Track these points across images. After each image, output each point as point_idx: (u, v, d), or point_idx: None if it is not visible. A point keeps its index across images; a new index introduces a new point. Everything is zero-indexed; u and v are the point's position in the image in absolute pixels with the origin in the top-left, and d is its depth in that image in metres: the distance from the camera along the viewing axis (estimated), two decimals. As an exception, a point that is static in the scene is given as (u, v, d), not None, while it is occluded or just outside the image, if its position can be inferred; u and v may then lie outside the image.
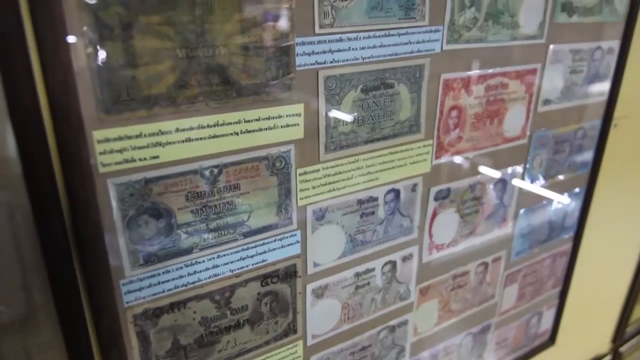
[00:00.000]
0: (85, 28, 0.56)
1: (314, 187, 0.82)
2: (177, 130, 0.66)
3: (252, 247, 0.79)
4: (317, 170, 0.82)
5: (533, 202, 1.25)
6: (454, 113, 0.96)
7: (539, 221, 1.30)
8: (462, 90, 0.95)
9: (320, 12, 0.72)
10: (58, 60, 0.55)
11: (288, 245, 0.83)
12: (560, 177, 1.29)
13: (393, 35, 0.81)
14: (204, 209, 0.72)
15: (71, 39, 0.55)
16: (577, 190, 1.36)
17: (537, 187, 1.24)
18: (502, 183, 1.14)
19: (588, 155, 1.34)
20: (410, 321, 1.11)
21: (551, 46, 1.07)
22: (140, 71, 0.61)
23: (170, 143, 0.66)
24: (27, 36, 0.54)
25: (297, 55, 0.72)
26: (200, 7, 0.62)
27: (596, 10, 1.13)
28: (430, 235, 1.05)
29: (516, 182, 1.17)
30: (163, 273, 0.72)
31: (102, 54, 0.58)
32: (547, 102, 1.13)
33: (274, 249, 0.82)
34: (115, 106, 0.61)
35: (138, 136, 0.63)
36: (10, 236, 0.61)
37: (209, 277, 0.77)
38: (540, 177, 1.23)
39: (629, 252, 1.77)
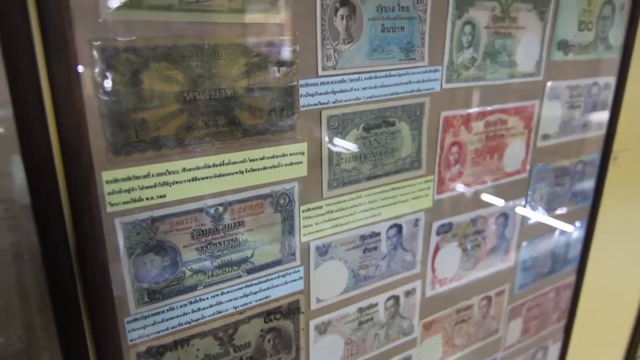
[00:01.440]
0: (97, 74, 0.58)
1: (317, 224, 0.83)
2: (184, 169, 0.68)
3: (255, 284, 0.80)
4: (320, 207, 0.83)
5: (535, 235, 1.25)
6: (455, 149, 0.98)
7: (542, 254, 1.30)
8: (462, 126, 0.97)
9: (324, 55, 0.75)
10: (71, 104, 0.57)
11: (291, 281, 0.84)
12: (562, 210, 1.29)
13: (394, 75, 0.83)
14: (208, 246, 0.73)
15: (84, 83, 0.58)
16: (578, 222, 1.37)
17: (538, 220, 1.24)
18: (504, 217, 1.15)
19: (589, 188, 1.35)
20: (414, 357, 1.10)
21: (548, 83, 1.10)
22: (149, 114, 0.63)
23: (177, 182, 0.68)
24: (41, 81, 0.56)
25: (301, 96, 0.75)
26: (207, 53, 0.65)
27: (591, 48, 1.16)
28: (433, 270, 1.05)
29: (518, 215, 1.18)
30: (167, 310, 0.72)
31: (113, 99, 0.60)
32: (546, 137, 1.15)
33: (278, 285, 0.82)
34: (125, 148, 0.62)
35: (146, 176, 0.65)
36: (18, 274, 0.62)
37: (213, 314, 0.77)
38: (542, 210, 1.24)
39: (634, 283, 1.76)
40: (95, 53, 0.57)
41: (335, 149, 0.81)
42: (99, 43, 0.57)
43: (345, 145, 0.82)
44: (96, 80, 0.58)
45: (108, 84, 0.59)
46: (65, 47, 0.54)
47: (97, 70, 0.58)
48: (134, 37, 0.59)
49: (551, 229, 1.30)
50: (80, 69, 0.57)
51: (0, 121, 0.56)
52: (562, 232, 1.33)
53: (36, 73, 0.56)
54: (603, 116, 1.29)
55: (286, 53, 0.71)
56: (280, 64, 0.71)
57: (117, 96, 0.60)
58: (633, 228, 1.62)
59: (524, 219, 1.20)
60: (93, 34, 0.57)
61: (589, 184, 1.35)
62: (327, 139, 0.80)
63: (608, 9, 1.16)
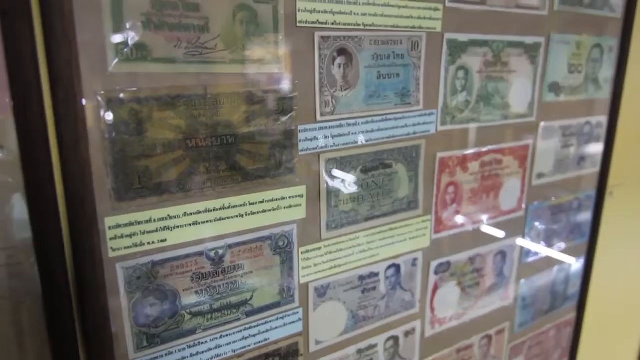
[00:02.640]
0: (103, 124, 0.60)
1: (315, 265, 0.84)
2: (185, 214, 0.69)
3: (254, 326, 0.80)
4: (319, 248, 0.84)
5: (533, 272, 1.26)
6: (451, 189, 1.00)
7: (541, 291, 1.30)
8: (458, 167, 0.99)
9: (322, 102, 0.77)
10: (77, 155, 0.59)
11: (290, 323, 0.84)
12: (560, 246, 1.30)
13: (390, 119, 0.86)
14: (208, 289, 0.74)
15: (90, 134, 0.60)
16: (577, 258, 1.37)
17: (536, 258, 1.25)
18: (502, 255, 1.16)
19: (586, 224, 1.37)
20: (415, 398, 1.09)
21: (542, 123, 1.13)
22: (152, 161, 0.65)
23: (178, 227, 0.69)
24: (49, 132, 0.58)
25: (300, 140, 0.77)
26: (209, 102, 0.67)
27: (582, 89, 1.19)
28: (432, 309, 1.05)
29: (515, 253, 1.19)
30: (166, 355, 0.72)
31: (118, 147, 0.62)
32: (541, 175, 1.17)
33: (276, 328, 0.82)
34: (128, 194, 0.64)
35: (147, 221, 0.66)
36: (18, 320, 0.63)
37: (211, 358, 0.77)
38: (540, 248, 1.25)
39: (635, 319, 1.74)
40: (102, 104, 0.60)
41: (333, 192, 0.83)
42: (106, 94, 0.60)
43: (343, 188, 0.84)
44: (102, 130, 0.60)
45: (113, 133, 0.61)
46: (74, 102, 0.57)
47: (103, 120, 0.60)
48: (139, 88, 0.62)
49: (549, 266, 1.30)
50: (87, 118, 0.59)
51: (7, 168, 0.58)
52: (561, 269, 1.33)
53: (44, 124, 0.58)
54: (597, 153, 1.32)
55: (286, 100, 0.74)
56: (280, 110, 0.74)
57: (122, 145, 0.62)
58: (632, 263, 1.62)
59: (522, 256, 1.21)
60: (100, 86, 0.59)
61: (586, 220, 1.36)
62: (325, 181, 0.81)
63: (597, 52, 1.20)
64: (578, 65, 1.17)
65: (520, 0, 0.99)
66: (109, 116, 0.60)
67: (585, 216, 1.36)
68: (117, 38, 0.59)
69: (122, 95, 0.61)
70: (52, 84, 0.57)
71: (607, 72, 1.24)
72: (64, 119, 0.58)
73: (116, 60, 0.59)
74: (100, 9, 0.57)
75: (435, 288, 1.04)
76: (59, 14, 0.55)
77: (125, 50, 0.60)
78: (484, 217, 1.08)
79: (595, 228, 1.39)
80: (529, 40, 1.04)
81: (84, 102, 0.58)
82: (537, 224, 1.21)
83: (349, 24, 0.77)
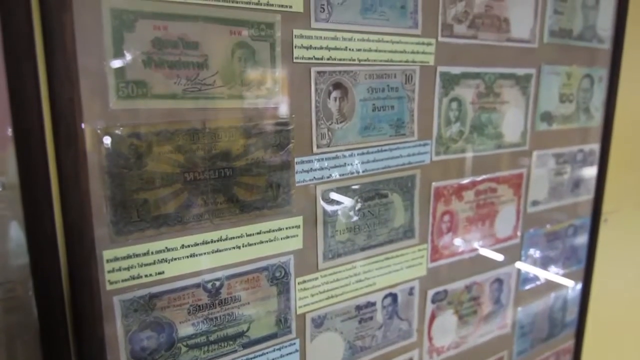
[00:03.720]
0: (103, 158, 0.61)
1: (312, 295, 0.84)
2: (183, 246, 0.70)
3: (251, 358, 0.79)
4: (316, 279, 0.84)
5: (531, 299, 1.26)
6: (447, 218, 1.01)
7: (539, 319, 1.30)
8: (453, 196, 1.01)
9: (318, 134, 0.79)
10: (77, 188, 0.60)
11: (287, 354, 0.83)
12: (556, 273, 1.30)
13: (385, 150, 0.87)
14: (205, 321, 0.74)
15: (90, 168, 0.61)
16: (574, 285, 1.37)
17: (533, 285, 1.25)
18: (498, 282, 1.16)
19: (582, 251, 1.37)
20: None
21: (535, 152, 1.14)
22: (151, 194, 0.66)
23: (175, 259, 0.69)
24: (49, 165, 0.59)
25: (297, 172, 0.78)
26: (208, 136, 0.69)
27: (574, 118, 1.22)
28: (430, 338, 1.05)
29: (512, 280, 1.19)
30: (162, 388, 0.72)
31: (117, 181, 0.63)
32: (535, 203, 1.19)
33: (273, 359, 0.82)
34: (126, 227, 0.65)
35: (145, 254, 0.67)
36: (14, 355, 0.63)
37: (208, 391, 0.76)
38: (536, 275, 1.25)
39: (634, 345, 1.73)
40: (102, 139, 0.61)
41: (329, 222, 0.83)
42: (106, 130, 0.61)
43: (339, 218, 0.84)
44: (102, 165, 0.62)
45: (113, 167, 0.62)
46: (75, 137, 0.58)
47: (103, 155, 0.61)
48: (139, 124, 0.63)
49: (547, 293, 1.30)
50: (88, 155, 0.60)
51: (7, 202, 0.59)
52: (558, 296, 1.33)
53: (45, 159, 0.59)
54: (590, 181, 1.33)
55: (283, 133, 0.75)
56: (277, 143, 0.75)
57: (121, 179, 0.63)
58: (629, 289, 1.62)
59: (519, 283, 1.21)
60: (101, 122, 0.61)
61: (581, 247, 1.37)
62: (322, 212, 0.82)
63: (587, 82, 1.23)
64: (569, 95, 1.19)
65: (510, 34, 1.02)
66: (109, 151, 0.62)
67: (581, 243, 1.37)
68: (118, 76, 0.60)
69: (122, 131, 0.62)
70: (54, 120, 0.59)
71: (597, 101, 1.27)
72: (65, 154, 0.59)
73: (117, 97, 0.61)
74: (103, 49, 0.59)
75: (433, 317, 1.04)
76: (62, 54, 0.56)
77: (126, 87, 0.61)
78: (480, 245, 1.09)
79: (591, 255, 1.40)
80: (520, 71, 1.06)
81: (85, 137, 0.59)
82: (533, 251, 1.22)
83: (344, 59, 0.79)
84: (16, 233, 0.60)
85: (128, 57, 0.61)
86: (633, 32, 1.28)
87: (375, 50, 0.82)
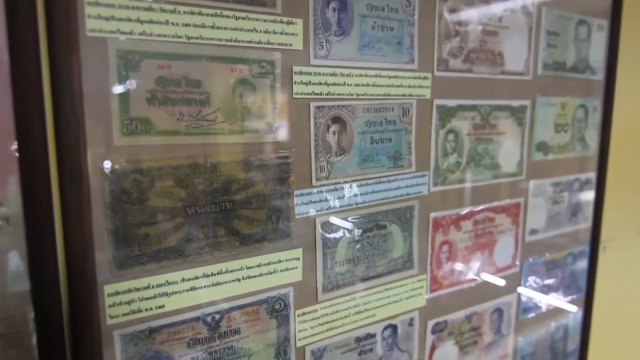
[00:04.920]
0: (107, 194, 0.62)
1: (312, 327, 0.84)
2: (183, 280, 0.70)
3: (250, 392, 0.79)
4: (315, 311, 0.84)
5: (532, 329, 1.25)
6: (445, 248, 1.01)
7: (540, 349, 1.29)
8: (452, 226, 1.02)
9: (317, 167, 0.80)
10: (79, 225, 0.61)
11: (287, 388, 0.83)
12: (556, 302, 1.30)
13: (383, 182, 0.89)
14: (204, 355, 0.74)
15: (93, 204, 0.62)
16: (575, 314, 1.37)
17: (534, 314, 1.25)
18: (498, 312, 1.16)
19: (582, 279, 1.37)
20: None
21: (531, 181, 1.16)
22: (152, 228, 0.67)
23: (175, 293, 0.70)
24: (53, 200, 0.60)
25: (296, 205, 0.79)
26: (209, 170, 0.70)
27: (570, 147, 1.24)
28: (430, 370, 1.04)
29: (512, 310, 1.19)
30: None
31: (120, 216, 0.64)
32: (533, 232, 1.19)
33: (273, 393, 0.82)
34: (128, 261, 0.65)
35: (146, 288, 0.67)
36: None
37: None
38: (536, 304, 1.25)
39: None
40: (106, 175, 0.62)
41: (329, 254, 0.84)
42: (110, 166, 0.62)
43: (339, 250, 0.85)
44: (105, 200, 0.63)
45: (116, 202, 0.63)
46: (79, 174, 0.59)
47: (107, 190, 0.63)
48: (142, 159, 0.65)
49: (547, 322, 1.30)
50: (92, 189, 0.61)
51: (11, 238, 0.60)
52: (559, 325, 1.33)
53: (49, 194, 0.60)
54: (588, 209, 1.34)
55: (283, 166, 0.77)
56: (277, 176, 0.76)
57: (123, 213, 0.64)
58: (630, 317, 1.61)
59: (519, 313, 1.21)
60: (105, 158, 0.62)
61: (581, 275, 1.37)
62: (321, 244, 0.83)
63: (581, 112, 1.25)
64: (564, 125, 1.21)
65: (505, 67, 1.05)
66: (112, 186, 0.63)
67: (581, 271, 1.37)
68: (122, 114, 0.62)
69: (125, 166, 0.64)
70: (59, 157, 0.60)
71: (592, 131, 1.29)
72: (69, 189, 0.61)
73: (121, 133, 0.63)
74: (108, 88, 0.61)
75: (433, 348, 1.03)
76: (69, 94, 0.58)
77: (130, 124, 0.63)
78: (479, 275, 1.09)
79: (590, 283, 1.40)
80: (515, 103, 1.08)
81: (89, 173, 0.61)
82: (532, 280, 1.22)
83: (342, 94, 0.81)
84: (18, 268, 0.61)
85: (133, 95, 0.63)
86: (625, 63, 1.31)
87: (373, 85, 0.84)
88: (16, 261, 0.61)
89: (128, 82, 0.62)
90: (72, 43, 0.58)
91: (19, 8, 0.56)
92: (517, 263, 1.17)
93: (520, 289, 1.19)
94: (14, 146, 0.58)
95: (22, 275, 0.61)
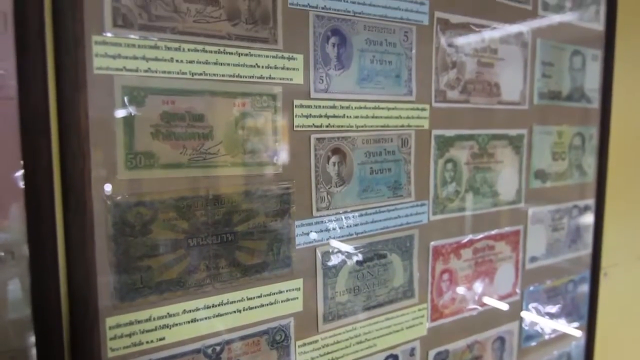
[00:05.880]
0: (110, 227, 0.63)
1: (313, 358, 0.84)
2: (184, 312, 0.70)
3: None
4: (316, 341, 0.84)
5: (534, 357, 1.24)
6: (446, 276, 1.02)
7: (543, 378, 1.27)
8: (452, 254, 1.02)
9: (318, 198, 0.81)
10: (83, 257, 0.62)
11: (287, 420, 0.82)
12: (558, 330, 1.29)
13: (383, 211, 0.90)
14: (204, 387, 0.73)
15: (97, 236, 0.63)
16: (577, 341, 1.36)
17: (535, 342, 1.24)
18: (500, 341, 1.15)
19: (584, 306, 1.37)
20: None
21: (530, 209, 1.17)
22: (155, 261, 0.67)
23: (176, 325, 0.70)
24: (57, 233, 0.61)
25: (297, 235, 0.80)
26: (211, 202, 0.71)
27: (567, 175, 1.25)
28: (432, 401, 1.03)
29: (514, 338, 1.18)
30: None
31: (123, 249, 0.65)
32: (533, 259, 1.19)
33: None
34: (130, 294, 0.66)
35: (147, 320, 0.68)
36: None
37: None
38: (538, 332, 1.24)
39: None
40: (110, 208, 0.63)
41: (329, 284, 0.84)
42: (114, 200, 0.63)
43: (339, 280, 0.85)
44: (109, 233, 0.63)
45: (119, 235, 0.64)
46: (84, 207, 0.60)
47: (110, 223, 0.63)
48: (145, 193, 0.66)
49: (550, 350, 1.29)
50: (95, 222, 0.62)
51: (15, 271, 0.60)
52: (562, 353, 1.31)
53: (53, 227, 0.61)
54: (588, 235, 1.35)
55: (283, 198, 0.78)
56: (278, 208, 0.77)
57: (126, 246, 0.65)
58: (633, 343, 1.60)
59: (521, 341, 1.20)
60: (109, 192, 0.63)
61: (583, 302, 1.37)
62: (321, 274, 0.83)
63: (578, 140, 1.27)
64: (561, 153, 1.23)
65: (501, 97, 1.07)
66: (116, 219, 0.64)
67: (582, 298, 1.36)
68: (127, 148, 0.64)
69: (129, 199, 0.65)
70: (64, 190, 0.61)
71: (589, 158, 1.31)
72: (73, 223, 0.62)
73: (125, 167, 0.64)
74: (114, 124, 0.62)
75: (435, 378, 1.03)
76: (75, 130, 0.60)
77: (134, 158, 0.64)
78: (480, 303, 1.09)
79: (592, 310, 1.39)
80: (513, 132, 1.10)
81: (93, 207, 0.62)
82: (534, 307, 1.21)
83: (342, 126, 0.83)
84: (20, 299, 0.61)
85: (137, 130, 0.64)
86: (620, 91, 1.33)
87: (372, 117, 0.86)
88: (18, 293, 0.61)
89: (133, 117, 0.64)
90: (80, 80, 0.60)
91: (29, 46, 0.59)
92: (518, 291, 1.17)
93: (523, 314, 1.18)
94: (21, 180, 0.59)
95: (24, 307, 0.61)
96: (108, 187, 0.63)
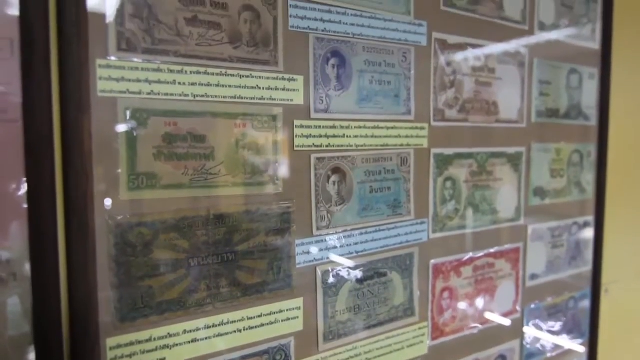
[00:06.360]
0: (112, 247, 0.64)
1: (313, 378, 0.84)
2: (185, 332, 0.70)
3: None
4: (317, 361, 0.84)
5: (536, 376, 1.23)
6: (446, 294, 1.02)
7: (546, 396, 1.26)
8: (452, 272, 1.02)
9: (318, 217, 0.82)
10: (84, 279, 0.62)
11: None
12: (560, 347, 1.29)
13: (383, 230, 0.90)
14: (204, 408, 0.73)
15: (99, 256, 0.63)
16: (579, 358, 1.35)
17: (537, 360, 1.23)
18: (502, 359, 1.14)
19: (585, 323, 1.36)
20: None
21: (530, 226, 1.17)
22: (156, 281, 0.68)
23: (177, 345, 0.70)
24: (59, 255, 0.61)
25: (297, 254, 0.80)
26: (212, 222, 0.71)
27: (566, 192, 1.26)
28: (434, 420, 1.02)
29: (515, 356, 1.17)
30: None
31: (124, 269, 0.65)
32: (534, 276, 1.19)
33: None
34: (130, 314, 0.66)
35: (148, 340, 0.68)
36: None
37: None
38: (539, 350, 1.23)
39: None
40: (112, 229, 0.64)
41: (330, 303, 0.84)
42: (116, 220, 0.64)
43: (339, 299, 0.86)
44: (110, 254, 0.64)
45: (121, 256, 0.65)
46: (86, 229, 0.61)
47: (112, 244, 0.64)
48: (147, 213, 0.66)
49: (552, 369, 1.28)
50: (97, 243, 0.63)
51: (17, 293, 0.61)
52: (564, 371, 1.31)
53: (56, 250, 0.61)
54: (588, 252, 1.35)
55: (284, 217, 0.78)
56: (279, 227, 0.78)
57: (128, 266, 0.65)
58: (635, 359, 1.59)
59: (523, 359, 1.19)
60: (111, 213, 0.64)
61: (584, 319, 1.36)
62: (322, 293, 0.83)
63: (576, 157, 1.28)
64: (560, 170, 1.24)
65: (499, 116, 1.08)
66: (118, 240, 0.64)
67: (583, 314, 1.36)
68: (129, 169, 0.64)
69: (130, 220, 0.65)
70: (67, 212, 0.62)
71: (588, 174, 1.31)
72: (76, 244, 0.62)
73: (127, 188, 0.65)
74: (117, 145, 0.63)
75: (436, 397, 1.02)
76: (79, 152, 0.60)
77: (136, 179, 0.65)
78: (481, 321, 1.08)
79: (594, 327, 1.39)
80: (511, 150, 1.11)
81: (95, 228, 0.62)
82: (535, 325, 1.21)
83: (342, 146, 0.84)
84: (22, 320, 0.61)
85: (140, 151, 0.65)
86: (617, 108, 1.34)
87: (372, 136, 0.87)
88: (20, 313, 0.62)
89: (136, 138, 0.65)
90: (84, 103, 0.61)
91: (34, 70, 0.60)
92: (519, 308, 1.17)
93: (524, 331, 1.18)
94: (24, 200, 0.60)
95: (26, 327, 0.61)
96: (110, 208, 0.64)
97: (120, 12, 0.63)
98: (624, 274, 1.46)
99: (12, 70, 0.58)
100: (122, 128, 0.64)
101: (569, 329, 1.32)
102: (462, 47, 1.00)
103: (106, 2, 0.62)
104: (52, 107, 0.60)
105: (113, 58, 0.63)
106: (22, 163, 0.59)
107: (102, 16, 0.62)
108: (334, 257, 0.84)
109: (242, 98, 0.73)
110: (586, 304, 1.36)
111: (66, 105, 0.62)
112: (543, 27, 1.16)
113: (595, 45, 1.31)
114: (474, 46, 1.02)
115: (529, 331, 1.20)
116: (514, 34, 1.10)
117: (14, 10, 0.59)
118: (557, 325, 1.28)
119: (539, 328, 1.23)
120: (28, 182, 0.59)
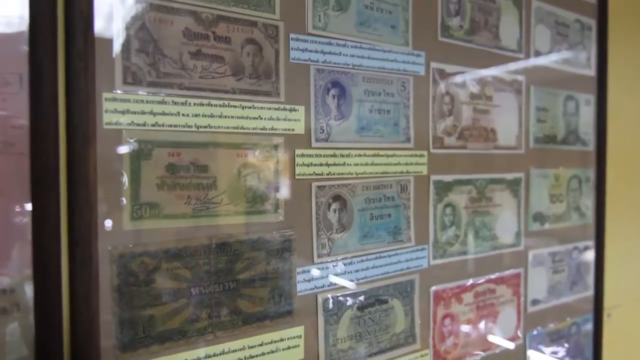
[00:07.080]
0: (114, 277, 0.64)
1: (314, 408, 0.83)
2: (186, 361, 0.70)
3: None
4: (318, 390, 0.83)
5: (539, 403, 1.22)
6: (447, 321, 1.01)
7: None
8: (453, 299, 1.02)
9: (319, 244, 0.83)
10: (87, 310, 0.62)
11: None
12: (563, 374, 1.28)
13: (384, 257, 0.91)
14: None
15: (101, 287, 0.63)
16: (583, 387, 1.33)
17: (541, 388, 1.22)
18: (504, 386, 1.13)
19: (588, 349, 1.35)
20: None
21: (530, 252, 1.17)
22: (157, 310, 0.68)
23: (178, 375, 0.70)
24: (62, 286, 0.62)
25: (298, 282, 0.80)
26: (214, 251, 0.72)
27: (566, 217, 1.26)
28: None
29: (518, 384, 1.16)
30: None
31: (126, 299, 0.65)
32: (535, 302, 1.19)
33: None
34: (131, 343, 0.66)
35: (149, 370, 0.68)
36: None
37: None
38: (543, 377, 1.22)
39: None
40: (115, 259, 0.64)
41: (331, 331, 0.84)
42: (119, 250, 0.65)
43: (340, 326, 0.85)
44: (113, 283, 0.64)
45: (123, 285, 0.65)
46: (89, 260, 0.61)
47: (115, 273, 0.64)
48: (150, 243, 0.67)
49: (556, 396, 1.26)
50: (100, 272, 0.63)
51: (20, 323, 0.61)
52: (568, 399, 1.29)
53: (59, 280, 0.62)
54: (589, 277, 1.35)
55: (285, 245, 0.79)
56: (280, 255, 0.78)
57: (130, 296, 0.66)
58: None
59: (526, 386, 1.18)
60: (114, 243, 0.64)
61: (587, 344, 1.35)
62: (323, 321, 0.83)
63: (575, 182, 1.29)
64: (559, 195, 1.24)
65: (498, 142, 1.09)
66: (120, 269, 0.65)
67: (586, 340, 1.35)
68: (133, 200, 0.65)
69: (133, 250, 0.66)
70: (71, 244, 0.63)
71: (587, 199, 1.32)
72: (79, 275, 0.63)
73: (130, 218, 0.65)
74: (121, 176, 0.64)
75: None
76: (84, 184, 0.62)
77: (140, 209, 0.66)
78: (483, 349, 1.08)
79: (597, 351, 1.38)
80: (510, 176, 1.12)
81: (98, 259, 0.63)
82: (537, 351, 1.20)
83: (342, 174, 0.85)
84: (25, 351, 0.61)
85: (144, 182, 0.66)
86: (614, 134, 1.36)
87: (372, 164, 0.88)
88: (22, 344, 0.62)
89: (140, 169, 0.66)
90: (90, 135, 0.62)
91: (42, 105, 0.61)
92: (520, 334, 1.16)
93: (527, 358, 1.17)
94: (29, 232, 0.60)
95: (28, 358, 0.61)
96: (113, 238, 0.64)
97: (127, 46, 0.65)
98: (626, 298, 1.46)
99: (21, 104, 0.60)
100: (126, 159, 0.65)
101: (572, 355, 1.30)
102: (459, 75, 1.02)
103: (113, 37, 0.64)
104: (58, 139, 0.62)
105: (119, 91, 0.65)
106: (28, 194, 0.60)
107: (109, 50, 0.64)
108: (334, 285, 0.85)
109: (244, 128, 0.74)
110: (589, 328, 1.35)
111: (72, 137, 0.63)
112: (539, 55, 1.18)
113: (591, 71, 1.33)
114: (472, 75, 1.04)
115: (532, 354, 1.19)
116: (510, 62, 1.12)
117: (24, 46, 0.61)
118: (560, 351, 1.27)
119: (542, 354, 1.22)
120: (33, 212, 0.60)
